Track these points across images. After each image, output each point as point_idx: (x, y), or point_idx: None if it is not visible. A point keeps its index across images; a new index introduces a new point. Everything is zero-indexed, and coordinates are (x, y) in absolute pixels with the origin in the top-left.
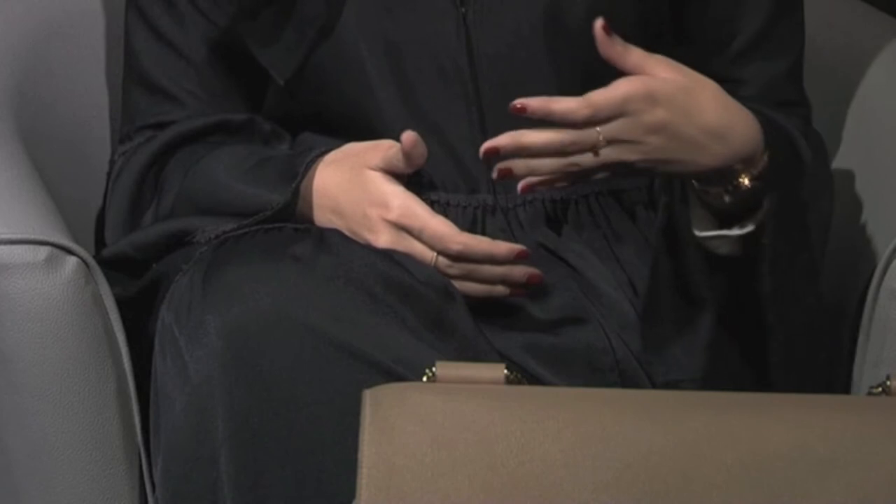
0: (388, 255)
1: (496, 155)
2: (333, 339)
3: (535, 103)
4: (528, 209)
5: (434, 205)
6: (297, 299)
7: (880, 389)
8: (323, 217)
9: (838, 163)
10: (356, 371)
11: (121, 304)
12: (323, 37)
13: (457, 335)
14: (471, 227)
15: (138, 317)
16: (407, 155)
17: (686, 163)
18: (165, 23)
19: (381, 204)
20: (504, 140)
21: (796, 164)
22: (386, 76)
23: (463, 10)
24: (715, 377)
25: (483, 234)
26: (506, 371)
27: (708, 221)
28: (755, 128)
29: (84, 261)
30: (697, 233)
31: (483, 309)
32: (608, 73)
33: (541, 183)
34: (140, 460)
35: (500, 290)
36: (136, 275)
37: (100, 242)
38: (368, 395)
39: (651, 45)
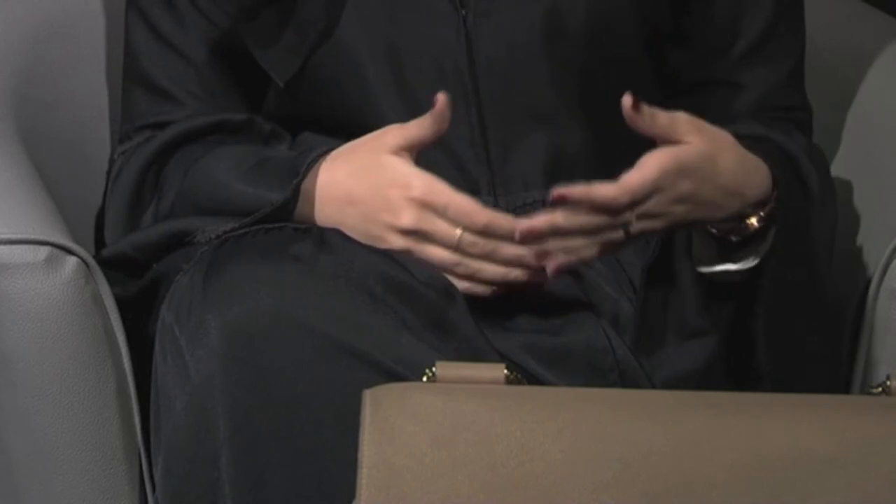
0: (389, 255)
1: (532, 235)
2: (334, 338)
3: (575, 194)
4: (529, 211)
5: None
6: (298, 299)
7: (880, 389)
8: (333, 209)
9: (838, 163)
10: (356, 371)
11: (121, 304)
12: (323, 38)
13: (457, 335)
14: None
15: (138, 317)
16: (439, 114)
17: (702, 220)
18: (165, 23)
19: (403, 185)
20: (540, 222)
21: (803, 199)
22: (386, 78)
23: (463, 12)
24: (715, 377)
25: None
26: (506, 371)
27: (709, 251)
28: (766, 173)
29: (84, 261)
30: (700, 269)
31: (483, 309)
32: (608, 74)
33: (569, 262)
34: (140, 460)
35: (517, 273)
36: (136, 275)
37: (100, 242)
38: (368, 395)
39: (651, 49)
